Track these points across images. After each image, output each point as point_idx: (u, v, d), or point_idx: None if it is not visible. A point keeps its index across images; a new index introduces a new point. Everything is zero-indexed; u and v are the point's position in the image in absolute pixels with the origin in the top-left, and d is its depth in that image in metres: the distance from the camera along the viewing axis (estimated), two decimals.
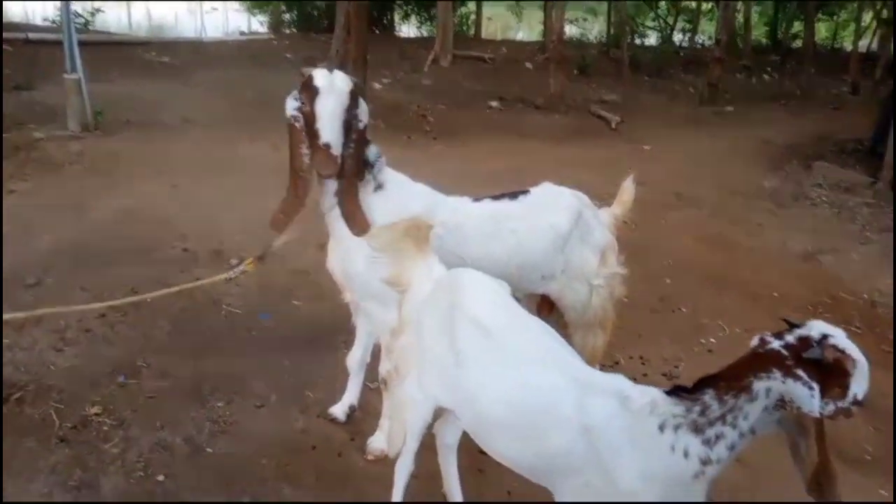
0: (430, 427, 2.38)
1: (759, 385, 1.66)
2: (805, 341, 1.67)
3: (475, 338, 1.99)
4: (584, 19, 18.71)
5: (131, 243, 4.58)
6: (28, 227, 4.64)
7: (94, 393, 3.07)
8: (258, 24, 18.43)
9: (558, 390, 1.86)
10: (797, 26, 19.72)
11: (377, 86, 10.19)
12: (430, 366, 2.14)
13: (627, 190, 3.08)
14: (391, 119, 8.68)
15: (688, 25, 18.87)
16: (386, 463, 2.48)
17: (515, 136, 8.72)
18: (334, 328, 3.51)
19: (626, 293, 3.28)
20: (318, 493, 2.65)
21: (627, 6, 15.86)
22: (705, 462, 1.71)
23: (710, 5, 18.63)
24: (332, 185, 2.57)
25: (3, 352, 3.23)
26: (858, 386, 1.66)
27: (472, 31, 18.22)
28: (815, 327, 1.68)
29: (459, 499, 2.57)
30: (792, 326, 1.72)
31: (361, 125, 2.53)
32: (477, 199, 2.81)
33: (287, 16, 17.39)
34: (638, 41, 18.09)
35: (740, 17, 17.87)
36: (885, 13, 16.75)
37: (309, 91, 2.44)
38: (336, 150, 2.42)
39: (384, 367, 2.67)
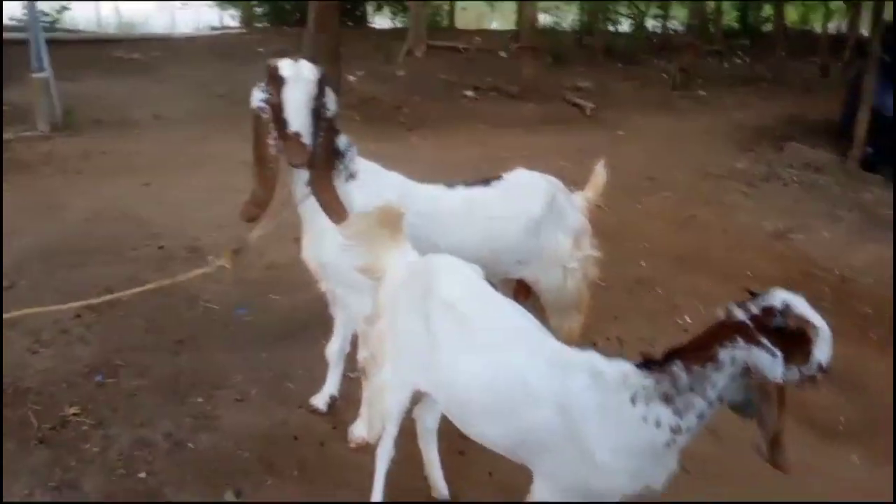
0: (409, 412, 2.41)
1: (725, 354, 1.71)
2: (768, 310, 1.72)
3: (449, 321, 2.01)
4: (557, 7, 18.75)
5: (104, 243, 4.54)
6: None
7: (72, 393, 3.05)
8: (230, 18, 18.24)
9: (532, 369, 1.89)
10: (767, 10, 19.93)
11: (351, 78, 10.14)
12: (406, 351, 2.16)
13: (599, 174, 3.12)
14: (366, 111, 8.66)
15: (660, 11, 19.00)
16: (368, 451, 2.50)
17: (491, 125, 8.75)
18: (312, 320, 3.52)
19: (602, 276, 3.32)
20: (301, 483, 2.67)
21: None
22: (676, 431, 1.76)
23: None
24: (303, 176, 2.58)
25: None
26: (821, 352, 1.71)
27: (445, 22, 18.19)
28: (778, 296, 1.74)
29: (441, 482, 2.60)
30: (755, 296, 1.76)
31: (330, 114, 2.54)
32: (450, 185, 2.82)
33: (259, 10, 17.22)
34: (611, 28, 18.17)
35: (711, 3, 18.02)
36: None
37: (275, 81, 2.44)
38: (306, 138, 2.43)
39: (362, 355, 2.68)
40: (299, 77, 2.43)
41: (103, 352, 3.36)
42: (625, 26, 18.97)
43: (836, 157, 7.64)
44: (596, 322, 3.55)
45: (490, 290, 2.11)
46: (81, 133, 7.04)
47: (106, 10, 20.21)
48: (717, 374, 1.72)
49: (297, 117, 2.42)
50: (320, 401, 3.06)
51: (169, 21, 18.07)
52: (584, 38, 15.60)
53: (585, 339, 3.70)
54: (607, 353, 1.94)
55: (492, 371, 1.93)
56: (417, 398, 2.36)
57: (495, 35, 16.07)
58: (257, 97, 2.51)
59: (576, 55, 14.30)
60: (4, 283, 3.92)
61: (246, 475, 2.68)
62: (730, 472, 2.92)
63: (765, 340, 1.69)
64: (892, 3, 8.16)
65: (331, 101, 2.55)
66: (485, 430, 2.03)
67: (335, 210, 2.54)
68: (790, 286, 1.79)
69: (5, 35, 10.37)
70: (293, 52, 2.56)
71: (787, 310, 1.71)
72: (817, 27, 20.43)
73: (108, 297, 3.22)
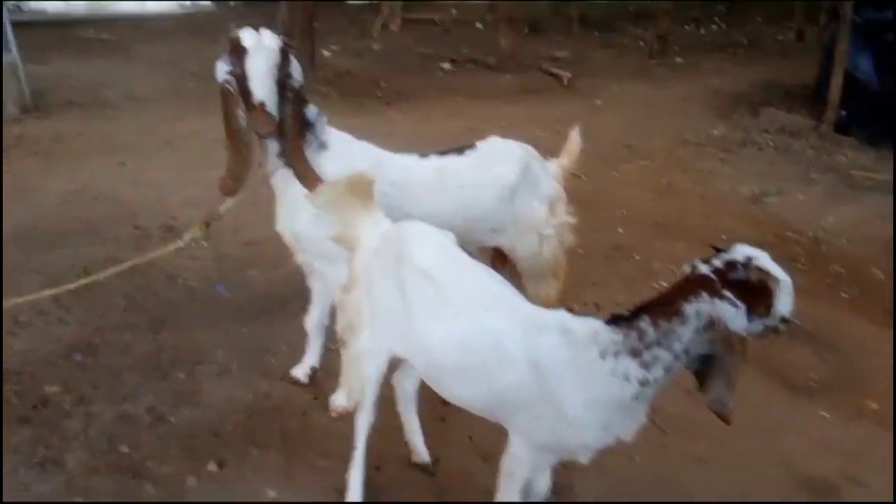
0: (388, 379, 2.44)
1: (690, 308, 1.75)
2: (730, 264, 1.76)
3: (423, 287, 2.04)
4: None
5: (81, 224, 4.51)
6: None
7: (52, 373, 3.05)
8: None
9: (505, 330, 1.94)
10: None
11: (326, 53, 10.03)
12: (382, 317, 2.19)
13: (574, 141, 3.14)
14: (342, 86, 8.58)
15: None
16: (350, 419, 2.53)
17: (468, 97, 8.71)
18: (292, 295, 3.53)
19: (580, 243, 3.36)
20: (284, 453, 2.70)
21: None
22: (644, 384, 1.81)
23: None
24: (274, 147, 2.57)
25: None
26: (783, 304, 1.75)
27: None
28: (740, 251, 1.78)
29: (422, 447, 2.65)
30: (719, 252, 1.80)
31: (296, 83, 2.53)
32: (424, 155, 2.83)
33: None
34: None
35: None
36: None
37: (237, 52, 2.44)
38: (271, 108, 2.43)
39: (339, 324, 2.71)
40: (261, 47, 2.43)
41: (82, 332, 3.37)
42: None
43: (812, 122, 7.69)
44: (574, 288, 3.59)
45: (463, 255, 2.14)
46: (53, 115, 6.92)
47: None
48: (682, 327, 1.76)
49: (261, 87, 2.41)
50: (301, 372, 3.09)
51: None
52: (561, 6, 15.48)
53: (563, 306, 3.74)
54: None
55: (466, 334, 1.97)
56: (395, 365, 2.40)
57: (471, 6, 15.91)
58: (222, 70, 2.50)
59: (552, 24, 14.21)
60: None
61: (229, 447, 2.71)
62: (703, 429, 2.99)
63: (728, 293, 1.73)
64: None
65: (296, 70, 2.54)
66: (461, 392, 2.07)
67: (309, 179, 2.55)
68: (765, 249, 1.83)
69: None
70: (266, 28, 2.54)
71: (748, 263, 1.75)
72: None
73: (88, 279, 3.18)
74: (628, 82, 9.84)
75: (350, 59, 10.18)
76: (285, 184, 2.60)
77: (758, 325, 1.77)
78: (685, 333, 1.77)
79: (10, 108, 6.77)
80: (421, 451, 2.65)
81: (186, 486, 2.52)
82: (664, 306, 1.79)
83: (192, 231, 2.77)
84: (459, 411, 2.54)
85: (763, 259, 1.76)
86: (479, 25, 13.70)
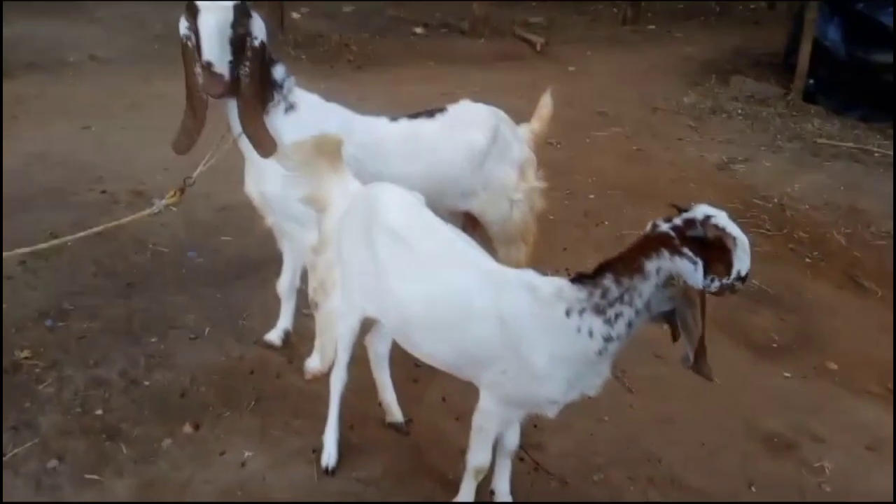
0: (361, 340, 2.47)
1: (651, 265, 1.80)
2: (689, 222, 1.80)
3: (393, 247, 2.07)
4: None
5: (46, 189, 4.41)
6: None
7: (22, 338, 3.03)
8: None
9: (473, 288, 1.98)
10: None
11: (295, 15, 9.82)
12: (353, 278, 2.21)
13: (545, 105, 3.15)
14: (312, 49, 8.42)
15: None
16: (324, 382, 2.57)
17: (441, 61, 8.62)
18: (265, 260, 3.52)
19: (551, 209, 3.40)
20: (258, 415, 2.73)
21: None
22: (607, 339, 1.87)
23: None
24: (235, 108, 2.55)
25: None
26: (740, 262, 1.79)
27: None
28: (699, 210, 1.81)
29: (395, 407, 2.69)
30: (680, 211, 1.84)
31: (257, 42, 2.49)
32: (394, 118, 2.82)
33: None
34: None
35: None
36: None
37: (191, 10, 2.41)
38: (219, 67, 2.41)
39: (311, 286, 2.72)
40: (211, 6, 2.39)
41: (51, 297, 3.33)
42: None
43: (780, 90, 7.79)
44: (545, 254, 3.64)
45: (431, 215, 2.17)
46: (13, 78, 6.69)
47: None
48: (643, 284, 1.81)
49: (209, 47, 2.39)
50: (275, 336, 3.10)
51: None
52: None
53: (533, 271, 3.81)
54: None
55: (435, 291, 2.01)
56: (368, 326, 2.43)
57: None
58: (183, 26, 2.48)
59: None
60: None
61: (203, 409, 2.73)
62: (670, 390, 3.09)
63: (686, 250, 1.77)
64: None
65: (257, 28, 2.50)
66: (432, 349, 2.11)
67: (262, 142, 2.53)
68: (732, 214, 1.86)
69: None
70: None
71: (705, 221, 1.79)
72: None
73: (57, 241, 3.13)
74: (601, 49, 9.82)
75: (320, 21, 9.98)
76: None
77: (716, 283, 1.81)
78: (646, 290, 1.81)
79: None
80: (394, 410, 2.70)
81: (162, 447, 2.54)
82: (626, 263, 1.83)
83: (167, 198, 2.75)
84: (432, 373, 2.60)
85: (720, 218, 1.79)
86: None
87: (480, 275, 2.01)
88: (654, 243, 1.81)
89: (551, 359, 1.90)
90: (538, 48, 9.66)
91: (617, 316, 1.84)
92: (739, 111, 7.33)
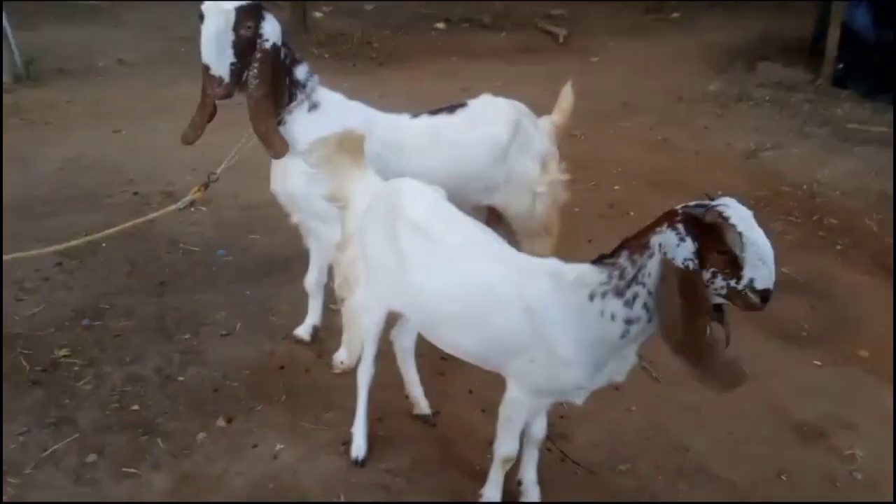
0: (387, 335, 2.51)
1: (654, 240, 1.78)
2: (699, 204, 1.75)
3: (416, 240, 2.10)
4: None
5: (79, 191, 4.54)
6: None
7: (60, 337, 3.13)
8: None
9: (498, 277, 2.00)
10: None
11: (318, 14, 9.90)
12: (377, 273, 2.25)
13: (566, 97, 3.14)
14: (335, 47, 8.49)
15: None
16: (352, 375, 2.61)
17: (463, 56, 8.62)
18: (293, 257, 3.58)
19: (576, 201, 3.39)
20: (289, 408, 2.79)
21: None
22: (628, 322, 1.85)
23: None
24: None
25: None
26: (754, 269, 1.69)
27: None
28: (724, 199, 1.76)
29: (422, 399, 2.73)
30: (710, 199, 1.79)
31: (268, 44, 2.52)
32: (415, 115, 2.85)
33: None
34: None
35: None
36: None
37: (200, 15, 2.46)
38: (217, 70, 2.46)
39: (336, 282, 2.76)
40: (211, 10, 2.44)
41: (87, 297, 3.43)
42: None
43: (809, 75, 7.64)
44: (569, 246, 3.60)
45: (452, 207, 2.20)
46: (45, 83, 6.87)
47: None
48: (649, 261, 1.79)
49: (206, 49, 2.46)
50: (303, 331, 3.16)
51: None
52: None
53: None
54: None
55: (460, 282, 2.03)
56: (393, 320, 2.46)
57: None
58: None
59: None
60: None
61: (236, 403, 2.80)
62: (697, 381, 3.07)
63: (679, 226, 1.73)
64: None
65: (270, 30, 2.53)
66: (458, 340, 2.14)
67: (271, 143, 2.58)
68: (760, 203, 1.80)
69: None
70: None
71: (710, 206, 1.72)
72: None
73: (86, 238, 3.19)
74: (624, 39, 9.73)
75: (343, 19, 10.04)
76: None
77: (719, 280, 1.73)
78: (653, 267, 1.78)
79: (2, 77, 6.71)
80: (421, 402, 2.74)
81: (197, 440, 2.61)
82: (638, 239, 1.83)
83: (192, 193, 2.81)
84: (458, 366, 2.63)
85: (735, 210, 1.70)
86: None
87: (504, 265, 2.03)
88: (661, 219, 1.79)
89: (577, 344, 1.90)
90: (560, 40, 9.61)
91: (634, 297, 1.83)
92: (767, 98, 7.21)
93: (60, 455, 2.53)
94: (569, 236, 3.42)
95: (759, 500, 2.56)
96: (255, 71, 2.52)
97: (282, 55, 2.61)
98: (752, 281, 1.70)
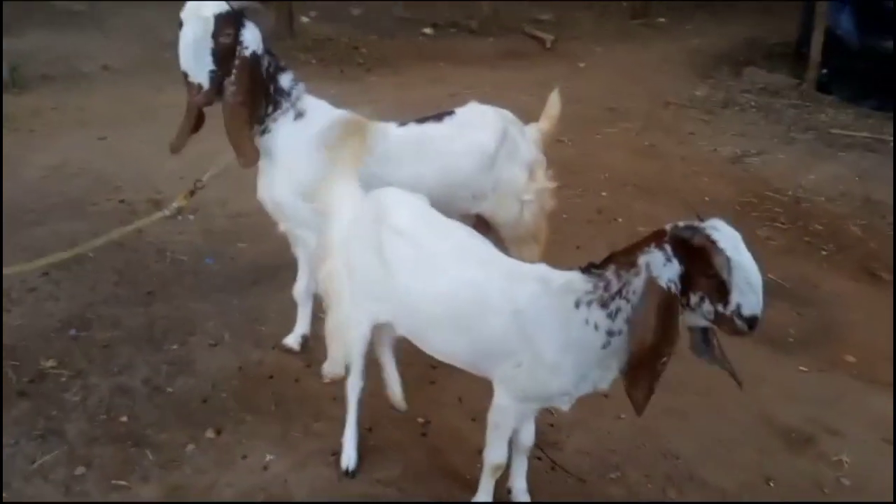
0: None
1: (642, 259, 1.80)
2: (689, 226, 1.76)
3: (402, 247, 2.11)
4: None
5: (65, 199, 4.49)
6: None
7: (48, 347, 3.10)
8: None
9: (486, 282, 2.01)
10: None
11: (304, 19, 9.87)
12: (362, 286, 2.25)
13: (553, 104, 3.16)
14: (321, 53, 8.48)
15: None
16: (342, 385, 2.61)
17: (450, 61, 8.63)
18: (282, 266, 3.55)
19: (563, 208, 3.41)
20: (279, 418, 2.78)
21: None
22: (610, 333, 1.88)
23: None
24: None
25: None
26: (742, 294, 1.69)
27: None
28: (713, 222, 1.77)
29: (397, 387, 2.64)
30: (699, 217, 1.81)
31: (247, 51, 2.52)
32: (402, 123, 2.85)
33: None
34: None
35: None
36: None
37: (179, 24, 2.47)
38: (196, 77, 2.46)
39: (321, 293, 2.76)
40: (190, 17, 2.44)
41: (74, 307, 3.40)
42: None
43: (793, 80, 7.72)
44: (558, 252, 3.64)
45: (437, 214, 2.21)
46: (30, 90, 6.80)
47: None
48: (636, 278, 1.81)
49: (184, 58, 2.46)
50: (292, 340, 3.15)
51: None
52: None
53: None
54: None
55: (447, 287, 2.04)
56: (377, 332, 2.44)
57: None
58: None
59: None
60: None
61: (225, 413, 2.79)
62: (685, 385, 3.09)
63: (667, 246, 1.75)
64: None
65: (250, 37, 2.53)
66: (447, 346, 2.15)
67: (242, 152, 2.57)
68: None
69: None
70: None
71: (699, 228, 1.73)
72: None
73: (76, 250, 3.17)
74: (611, 44, 9.79)
75: (329, 24, 10.03)
76: (266, 152, 2.63)
77: (706, 305, 1.75)
78: (638, 286, 1.80)
79: None
80: (396, 390, 2.64)
81: (186, 452, 2.60)
82: (626, 256, 1.84)
83: (177, 200, 2.80)
84: (448, 374, 2.63)
85: (723, 234, 1.71)
86: None
87: (492, 269, 2.04)
88: (650, 238, 1.81)
89: (562, 349, 1.92)
90: (548, 45, 9.65)
91: (617, 311, 1.85)
92: (752, 103, 7.28)
93: (48, 467, 2.50)
94: (557, 243, 3.44)
95: None
96: (233, 78, 2.51)
97: (265, 63, 2.60)
98: (739, 307, 1.71)
